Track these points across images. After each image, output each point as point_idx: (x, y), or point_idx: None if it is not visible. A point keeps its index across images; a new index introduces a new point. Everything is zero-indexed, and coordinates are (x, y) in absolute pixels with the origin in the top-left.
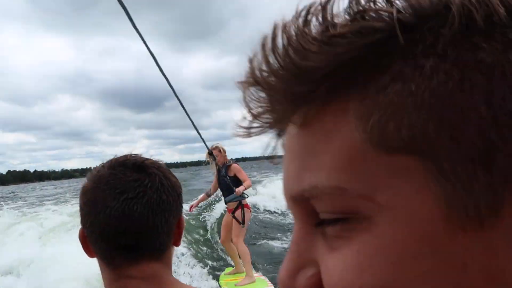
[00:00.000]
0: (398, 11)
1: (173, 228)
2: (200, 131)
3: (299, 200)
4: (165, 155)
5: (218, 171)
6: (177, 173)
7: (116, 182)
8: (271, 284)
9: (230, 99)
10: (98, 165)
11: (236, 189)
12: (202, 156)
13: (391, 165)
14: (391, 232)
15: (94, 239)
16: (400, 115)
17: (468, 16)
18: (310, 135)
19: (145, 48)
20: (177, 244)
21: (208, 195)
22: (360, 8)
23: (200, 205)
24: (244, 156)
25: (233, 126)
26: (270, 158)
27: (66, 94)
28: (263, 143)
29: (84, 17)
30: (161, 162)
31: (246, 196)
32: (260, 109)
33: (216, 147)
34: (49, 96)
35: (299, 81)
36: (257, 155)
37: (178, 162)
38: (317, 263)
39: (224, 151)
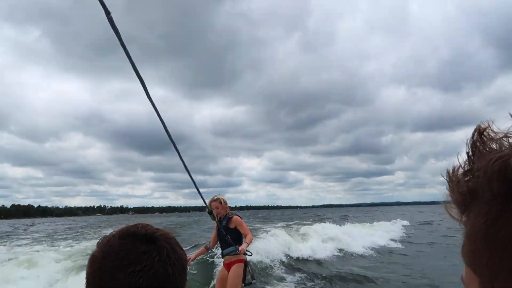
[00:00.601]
0: None
1: None
2: (206, 176)
3: None
4: (170, 198)
5: (219, 222)
6: (180, 218)
7: (126, 253)
8: None
9: (238, 147)
10: (108, 234)
11: (240, 248)
12: (207, 201)
13: None
14: None
15: None
16: None
17: None
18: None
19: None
20: None
21: (207, 249)
22: None
23: (199, 258)
24: (249, 205)
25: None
26: (274, 208)
27: (79, 132)
28: (268, 192)
29: (104, 61)
30: (170, 232)
31: (250, 254)
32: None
33: (218, 199)
34: (62, 134)
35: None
36: (262, 204)
37: (182, 206)
38: None
39: (226, 203)
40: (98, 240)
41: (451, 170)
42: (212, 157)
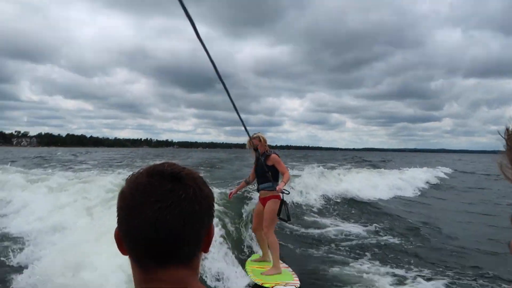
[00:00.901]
0: None
1: (202, 237)
2: (248, 115)
3: None
4: (212, 134)
5: (257, 159)
6: (222, 153)
7: (153, 190)
8: (296, 278)
9: (280, 87)
10: (136, 171)
11: (277, 187)
12: (247, 139)
13: None
14: None
15: (127, 241)
16: None
17: None
18: None
19: (201, 31)
20: (206, 251)
21: (247, 183)
22: None
23: (239, 192)
24: (289, 144)
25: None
26: (314, 149)
27: (124, 68)
28: (309, 133)
29: None
30: (196, 171)
31: (287, 192)
32: None
33: (257, 136)
34: (108, 69)
35: None
36: (303, 144)
37: (224, 142)
38: None
39: (265, 141)
40: (127, 177)
41: (511, 127)
42: (254, 96)
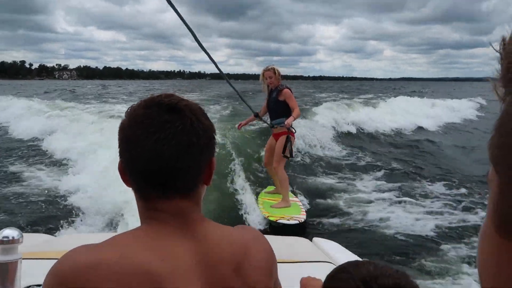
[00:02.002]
0: None
1: (203, 169)
2: (280, 44)
3: None
4: (244, 65)
5: (270, 93)
6: (252, 85)
7: (150, 122)
8: (304, 212)
9: (315, 12)
10: (136, 103)
11: (286, 121)
12: (281, 70)
13: None
14: None
15: (129, 172)
16: None
17: None
18: None
19: None
20: (208, 184)
21: (257, 116)
22: None
23: (250, 125)
24: (322, 75)
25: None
26: (349, 79)
27: None
28: (343, 62)
29: None
30: (196, 103)
31: (294, 131)
32: None
33: (272, 68)
34: None
35: None
36: (336, 75)
37: (256, 74)
38: None
39: (279, 74)
40: (126, 109)
41: (507, 37)
42: (287, 23)
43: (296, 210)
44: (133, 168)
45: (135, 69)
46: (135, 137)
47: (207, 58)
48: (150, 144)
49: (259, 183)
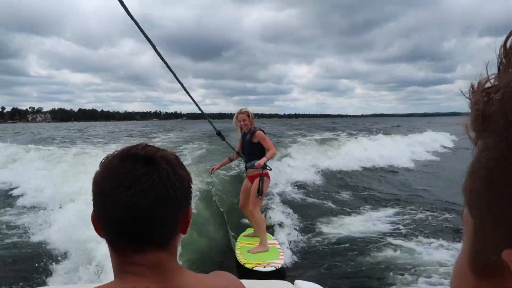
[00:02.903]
0: None
1: (179, 219)
2: (256, 84)
3: None
4: (220, 105)
5: (243, 136)
6: (228, 123)
7: (125, 175)
8: (282, 255)
9: (288, 53)
10: (110, 154)
11: (257, 163)
12: (256, 108)
13: None
14: None
15: (103, 225)
16: None
17: None
18: None
19: None
20: (184, 233)
21: (231, 160)
22: None
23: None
24: (297, 113)
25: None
26: (323, 116)
27: (130, 39)
28: (317, 100)
29: None
30: (172, 152)
31: (269, 169)
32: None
33: (246, 111)
34: (114, 40)
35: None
36: (311, 112)
37: (232, 113)
38: None
39: (252, 117)
40: (101, 160)
41: (476, 84)
42: (261, 63)
43: (274, 255)
44: (107, 220)
45: (111, 110)
46: (110, 190)
47: (183, 98)
48: (125, 198)
49: (237, 226)
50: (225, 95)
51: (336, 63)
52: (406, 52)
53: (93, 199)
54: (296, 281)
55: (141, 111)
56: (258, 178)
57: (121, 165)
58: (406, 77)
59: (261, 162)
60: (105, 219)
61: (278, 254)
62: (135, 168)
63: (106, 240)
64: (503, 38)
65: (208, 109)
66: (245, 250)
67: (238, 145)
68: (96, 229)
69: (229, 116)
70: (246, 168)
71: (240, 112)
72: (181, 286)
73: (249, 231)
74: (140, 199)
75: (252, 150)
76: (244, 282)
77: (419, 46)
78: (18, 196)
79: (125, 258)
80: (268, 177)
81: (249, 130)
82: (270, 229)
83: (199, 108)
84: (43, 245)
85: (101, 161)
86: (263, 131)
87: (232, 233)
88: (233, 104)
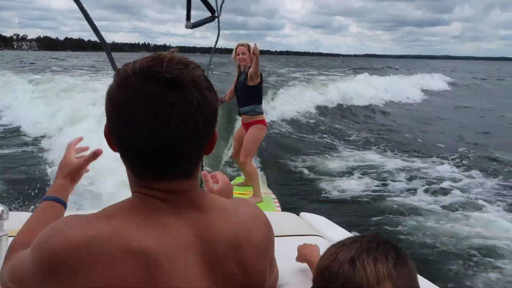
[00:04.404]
0: None
1: (206, 146)
2: (246, 17)
3: None
4: (210, 39)
5: (238, 75)
6: (220, 58)
7: (150, 102)
8: (278, 206)
9: None
10: (126, 64)
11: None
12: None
13: None
14: None
15: (119, 145)
16: None
17: None
18: None
19: None
20: (208, 154)
21: (222, 102)
22: None
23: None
24: (289, 50)
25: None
26: (315, 55)
27: None
28: (310, 37)
29: None
30: (201, 70)
31: (262, 112)
32: None
33: (248, 44)
34: None
35: None
36: (303, 50)
37: (223, 47)
38: None
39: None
40: (116, 73)
41: None
42: None
43: (269, 205)
44: (125, 144)
45: (95, 39)
46: (130, 115)
47: (172, 30)
48: (149, 127)
49: (228, 175)
50: (214, 29)
51: None
52: None
53: (109, 118)
54: (302, 213)
55: (128, 42)
56: (256, 129)
57: (143, 87)
58: (403, 16)
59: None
60: (124, 142)
61: (274, 205)
62: (161, 95)
63: (121, 157)
64: None
65: (198, 42)
66: None
67: (231, 87)
68: (110, 144)
69: (220, 50)
70: (240, 114)
71: (241, 44)
72: (204, 212)
73: (239, 179)
74: (167, 130)
75: (247, 94)
76: None
77: None
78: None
79: (145, 182)
80: (265, 124)
81: (245, 68)
82: (264, 177)
83: (98, 37)
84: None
85: (117, 74)
86: (261, 74)
87: None
88: (223, 38)
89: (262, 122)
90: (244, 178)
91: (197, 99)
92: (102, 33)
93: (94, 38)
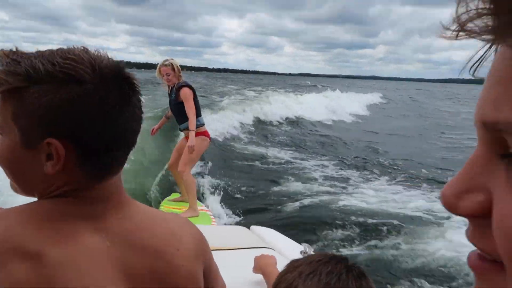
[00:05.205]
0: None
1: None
2: (184, 34)
3: (490, 128)
4: (146, 54)
5: (169, 92)
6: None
7: (109, 94)
8: (214, 221)
9: (219, 5)
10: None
11: (188, 144)
12: (184, 60)
13: None
14: None
15: (81, 153)
16: None
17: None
18: None
19: None
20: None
21: (168, 118)
22: None
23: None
24: (227, 68)
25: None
26: (252, 72)
27: None
28: (247, 56)
29: None
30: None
31: (201, 124)
32: (475, 12)
33: (170, 64)
34: None
35: None
36: (240, 68)
37: (158, 63)
38: (490, 192)
39: (179, 69)
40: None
41: None
42: (191, 13)
43: (206, 219)
44: (91, 145)
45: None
46: (102, 113)
47: (105, 44)
48: (109, 117)
49: (162, 189)
50: (151, 44)
51: (267, 19)
52: (334, 13)
53: (65, 123)
54: (252, 227)
55: None
56: (208, 140)
57: (99, 83)
58: (333, 39)
59: (190, 142)
60: (89, 144)
61: (210, 219)
62: (113, 85)
63: (69, 169)
64: (424, 8)
65: (133, 57)
66: None
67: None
68: (60, 164)
69: (156, 66)
70: (180, 130)
71: (163, 64)
72: (130, 216)
73: (175, 195)
74: (124, 118)
75: (179, 111)
76: (201, 227)
77: (347, 9)
78: None
79: (83, 185)
80: (207, 135)
81: (174, 85)
82: (199, 195)
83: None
84: None
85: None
86: (190, 87)
87: (155, 196)
88: (159, 54)
89: (204, 133)
90: (180, 193)
91: (139, 91)
92: (28, 45)
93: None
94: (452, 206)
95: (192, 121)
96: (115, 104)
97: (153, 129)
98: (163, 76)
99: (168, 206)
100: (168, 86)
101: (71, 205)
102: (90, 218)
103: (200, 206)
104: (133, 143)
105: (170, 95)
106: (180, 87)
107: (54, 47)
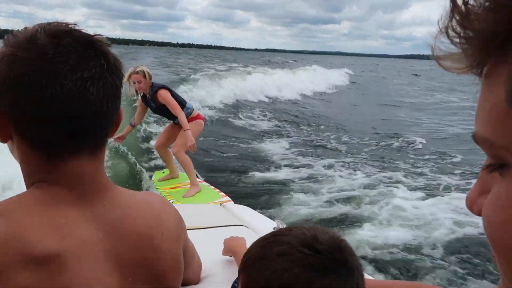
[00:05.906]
0: None
1: (115, 119)
2: (145, 7)
3: (475, 141)
4: (106, 28)
5: (143, 99)
6: (119, 50)
7: (67, 56)
8: (216, 188)
9: None
10: (20, 30)
11: (188, 143)
12: (147, 35)
13: None
14: None
15: (24, 123)
16: None
17: None
18: (485, 86)
19: None
20: (111, 136)
21: (133, 126)
22: None
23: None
24: (191, 43)
25: (182, 6)
26: (217, 48)
27: None
28: (212, 30)
29: None
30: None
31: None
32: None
33: (141, 71)
34: None
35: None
36: (205, 43)
37: (120, 38)
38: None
39: (150, 77)
40: (6, 38)
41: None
42: None
43: (209, 191)
44: (36, 115)
45: None
46: (47, 75)
47: (60, 17)
48: (71, 85)
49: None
50: (111, 17)
51: None
52: None
53: (7, 89)
54: (225, 204)
55: (9, 28)
56: (202, 122)
57: (58, 44)
58: (299, 13)
59: (189, 135)
60: (34, 113)
61: (213, 189)
62: (77, 50)
63: (18, 141)
64: None
65: (92, 31)
66: (178, 196)
67: (139, 109)
68: (2, 130)
69: (117, 41)
70: (177, 124)
71: (134, 72)
72: (113, 203)
73: (159, 174)
74: (89, 86)
75: (166, 111)
76: (176, 206)
77: None
78: None
79: (48, 166)
80: (201, 118)
81: (147, 94)
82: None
83: None
84: None
85: (14, 38)
86: (167, 88)
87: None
88: (121, 28)
89: (198, 117)
90: (164, 171)
91: (113, 58)
92: None
93: None
94: (470, 209)
95: (183, 121)
96: (62, 67)
97: (117, 137)
98: (134, 83)
99: (165, 187)
100: (136, 92)
101: (64, 192)
102: (84, 208)
103: (197, 180)
104: (102, 112)
105: (146, 102)
106: (155, 92)
107: (3, 19)
